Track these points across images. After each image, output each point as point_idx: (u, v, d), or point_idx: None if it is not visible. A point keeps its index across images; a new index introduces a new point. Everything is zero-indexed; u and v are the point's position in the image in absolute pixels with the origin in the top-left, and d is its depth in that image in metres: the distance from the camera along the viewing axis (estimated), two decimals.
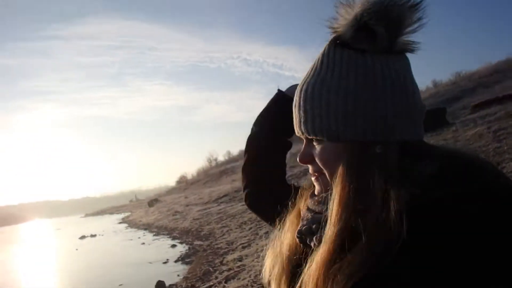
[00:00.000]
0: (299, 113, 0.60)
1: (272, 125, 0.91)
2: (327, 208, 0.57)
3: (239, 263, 5.67)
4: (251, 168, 0.94)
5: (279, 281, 0.65)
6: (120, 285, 6.94)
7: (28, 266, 13.16)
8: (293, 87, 0.87)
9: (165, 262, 8.54)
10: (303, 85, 0.61)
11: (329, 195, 0.57)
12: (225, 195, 17.18)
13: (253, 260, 5.50)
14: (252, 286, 4.24)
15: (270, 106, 0.93)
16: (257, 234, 7.82)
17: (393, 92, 0.55)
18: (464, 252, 0.46)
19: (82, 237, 19.89)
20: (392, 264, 0.47)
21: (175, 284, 6.14)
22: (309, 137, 0.60)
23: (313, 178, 0.66)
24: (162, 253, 9.87)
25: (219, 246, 8.11)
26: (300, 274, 0.57)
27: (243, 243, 7.36)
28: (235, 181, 25.10)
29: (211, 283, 5.15)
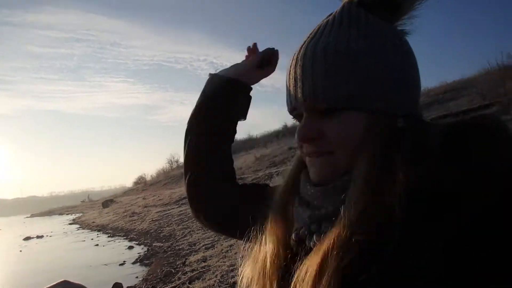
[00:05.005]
0: (305, 76, 0.51)
1: (222, 113, 0.82)
2: (333, 201, 0.49)
3: (203, 264, 5.49)
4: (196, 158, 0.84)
5: None
6: None
7: None
8: (226, 70, 0.85)
9: (121, 264, 8.09)
10: (310, 45, 0.52)
11: (339, 181, 0.50)
12: (186, 197, 16.76)
13: (218, 261, 5.36)
14: (219, 286, 4.10)
15: (216, 93, 0.81)
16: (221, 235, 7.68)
17: (414, 64, 0.55)
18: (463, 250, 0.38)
19: (27, 238, 18.46)
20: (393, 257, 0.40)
21: (134, 286, 5.82)
22: (320, 105, 0.51)
23: (312, 160, 0.55)
24: (119, 255, 9.37)
25: (180, 247, 7.85)
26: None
27: (206, 244, 7.17)
28: None
29: (174, 284, 4.93)
